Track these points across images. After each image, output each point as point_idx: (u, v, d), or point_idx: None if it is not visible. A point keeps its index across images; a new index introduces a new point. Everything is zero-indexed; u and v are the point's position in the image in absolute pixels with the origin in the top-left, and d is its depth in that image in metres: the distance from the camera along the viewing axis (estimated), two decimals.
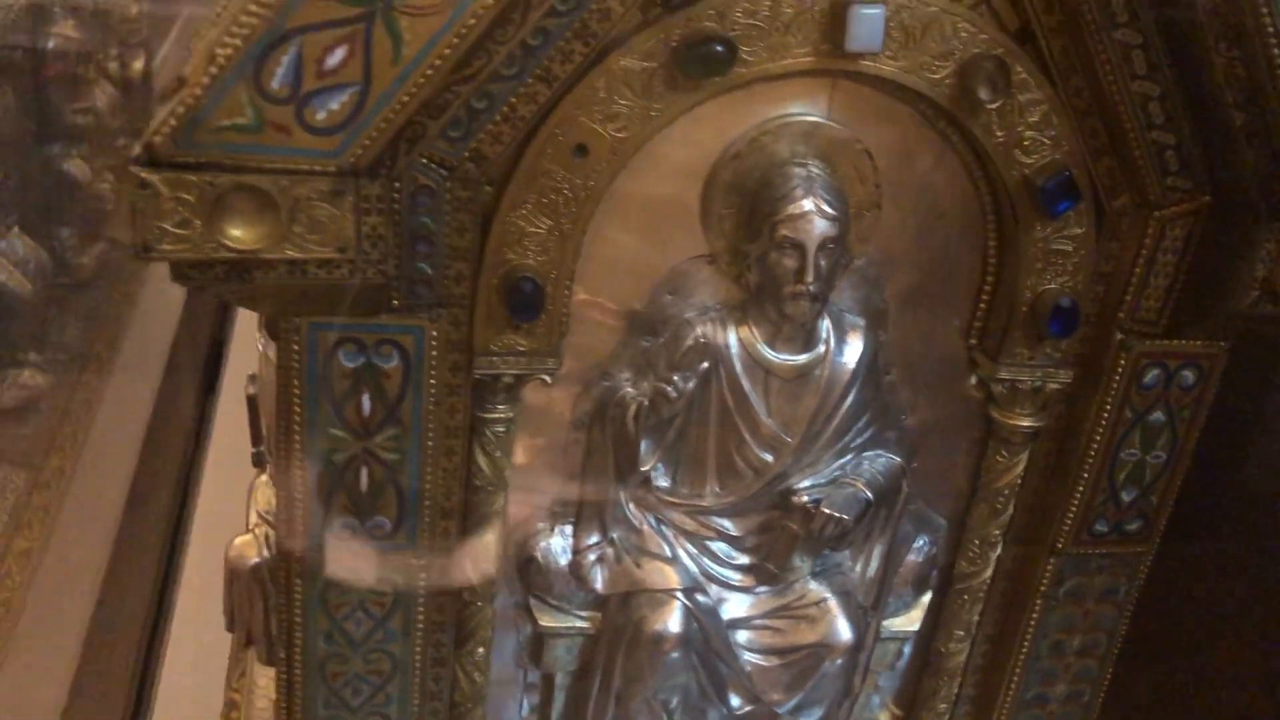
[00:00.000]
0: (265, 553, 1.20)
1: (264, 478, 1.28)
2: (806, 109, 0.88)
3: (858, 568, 1.04)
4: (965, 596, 1.08)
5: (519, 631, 1.04)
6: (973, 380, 1.01)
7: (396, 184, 0.74)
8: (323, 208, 0.69)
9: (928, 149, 0.91)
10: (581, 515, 0.99)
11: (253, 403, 1.22)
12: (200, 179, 0.67)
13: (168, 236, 0.68)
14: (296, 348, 0.81)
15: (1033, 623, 1.08)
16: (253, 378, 1.23)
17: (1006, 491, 1.03)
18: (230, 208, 0.68)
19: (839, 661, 1.01)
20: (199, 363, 2.41)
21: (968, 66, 0.84)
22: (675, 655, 0.98)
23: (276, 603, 1.18)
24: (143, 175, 0.66)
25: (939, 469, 1.05)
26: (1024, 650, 1.09)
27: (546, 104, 0.80)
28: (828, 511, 0.94)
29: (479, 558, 0.94)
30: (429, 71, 0.68)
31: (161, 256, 0.68)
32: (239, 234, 0.68)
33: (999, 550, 1.06)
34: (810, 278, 0.86)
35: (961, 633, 1.10)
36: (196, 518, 1.89)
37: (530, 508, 0.99)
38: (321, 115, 0.67)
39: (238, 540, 1.23)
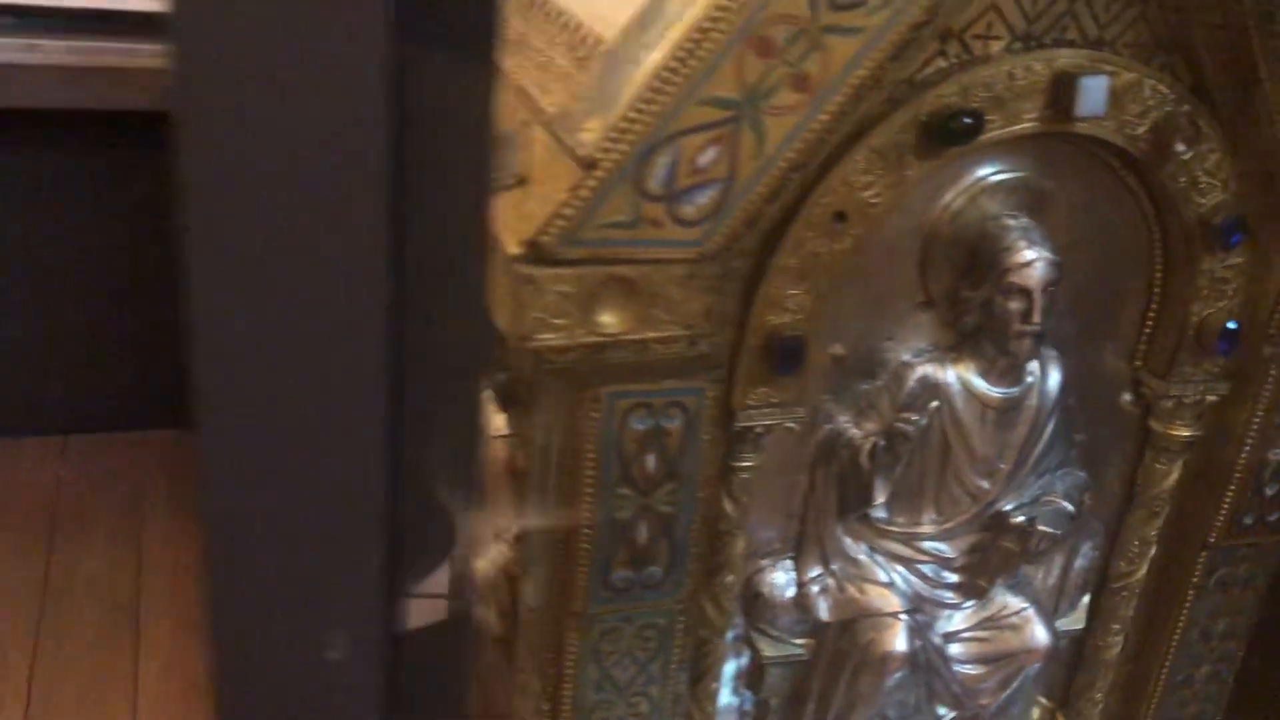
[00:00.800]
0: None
1: None
2: (1013, 165, 0.98)
3: (1039, 576, 1.14)
4: (1124, 593, 1.18)
5: (738, 661, 1.10)
6: (1127, 397, 1.12)
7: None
8: (676, 290, 0.75)
9: (1109, 194, 1.01)
10: (803, 550, 1.06)
11: None
12: (578, 272, 0.73)
13: (545, 326, 0.73)
14: (595, 415, 0.87)
15: (1184, 613, 1.19)
16: None
17: (1164, 496, 1.13)
18: (600, 296, 0.74)
19: (1038, 664, 1.10)
20: None
21: (1164, 122, 0.94)
22: (901, 673, 1.06)
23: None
24: (528, 272, 0.72)
25: (1097, 478, 1.16)
26: (1175, 639, 1.20)
27: (809, 179, 0.87)
28: (1043, 528, 1.03)
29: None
30: (782, 164, 0.74)
31: (538, 344, 0.74)
32: (609, 320, 0.74)
33: (1154, 549, 1.17)
34: (1037, 319, 0.95)
35: (1117, 626, 1.20)
36: None
37: (754, 546, 1.05)
38: (690, 209, 0.73)
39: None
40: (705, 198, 0.73)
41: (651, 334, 0.76)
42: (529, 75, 0.86)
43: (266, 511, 0.53)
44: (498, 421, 1.15)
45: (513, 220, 0.78)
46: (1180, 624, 1.19)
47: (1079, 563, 1.16)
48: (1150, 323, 1.08)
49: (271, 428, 0.51)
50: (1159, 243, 1.04)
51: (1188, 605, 1.19)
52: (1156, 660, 1.22)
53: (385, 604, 0.56)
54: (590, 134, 0.71)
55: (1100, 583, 1.19)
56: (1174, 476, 1.13)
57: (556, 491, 0.93)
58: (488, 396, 1.15)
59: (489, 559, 1.20)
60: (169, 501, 3.03)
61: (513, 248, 0.73)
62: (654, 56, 0.70)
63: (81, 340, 2.64)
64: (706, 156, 0.72)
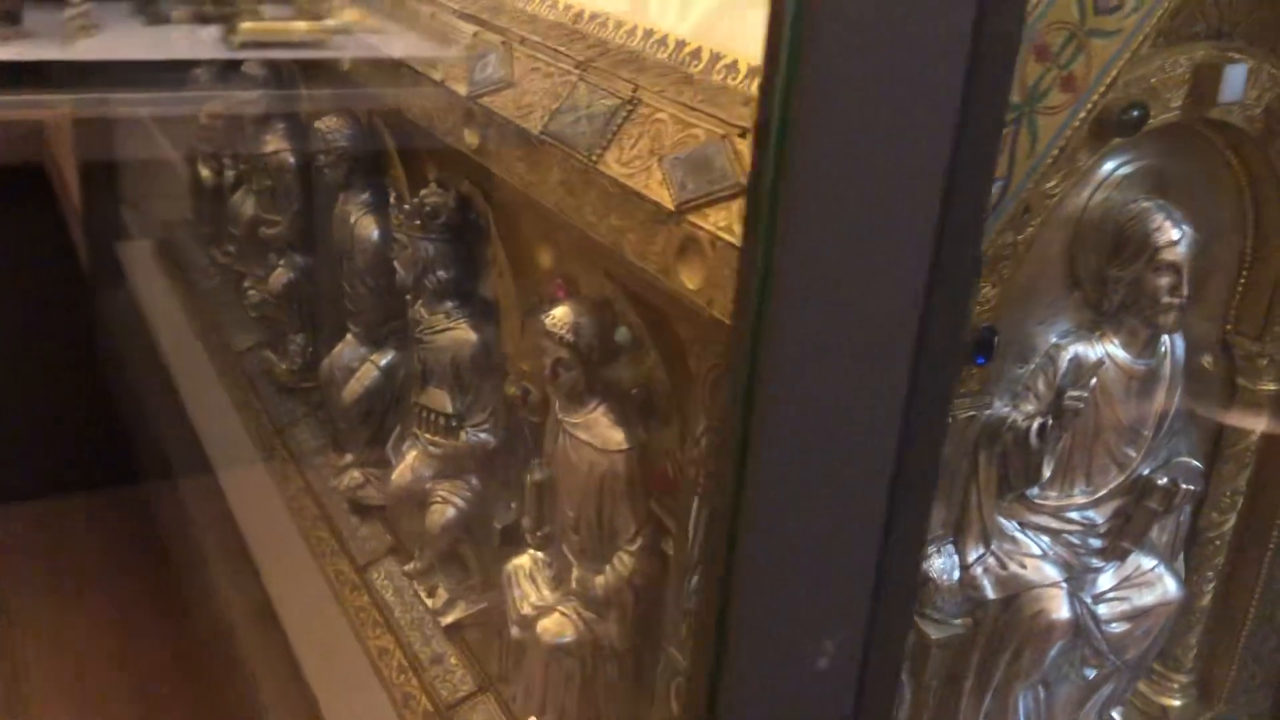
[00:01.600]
0: (581, 629, 1.23)
1: (525, 559, 1.29)
2: (1141, 154, 1.04)
3: (1155, 533, 1.21)
4: (1216, 542, 1.27)
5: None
6: (1208, 358, 1.20)
7: None
8: None
9: (1211, 172, 1.09)
10: (964, 533, 1.10)
11: (539, 488, 1.24)
12: None
13: None
14: None
15: (1269, 555, 1.29)
16: (539, 464, 1.25)
17: (1252, 448, 1.23)
18: None
19: (1173, 615, 1.18)
20: None
21: (1277, 103, 1.03)
22: (1064, 642, 1.11)
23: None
24: None
25: None
26: (1261, 580, 1.30)
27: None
28: (1185, 487, 1.10)
29: None
30: (1048, 161, 0.78)
31: None
32: None
33: (1242, 499, 1.26)
34: (1186, 292, 1.03)
35: (1210, 574, 1.29)
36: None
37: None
38: None
39: (548, 623, 1.24)
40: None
41: None
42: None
43: (795, 522, 0.54)
44: (615, 437, 1.16)
45: None
46: (1266, 565, 1.29)
47: (1182, 517, 1.24)
48: (1241, 288, 1.17)
49: (815, 434, 0.52)
50: (1252, 214, 1.13)
51: (1272, 547, 1.28)
52: (1244, 602, 1.31)
53: (871, 615, 0.57)
54: None
55: (1192, 534, 1.28)
56: (1261, 429, 1.22)
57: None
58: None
59: (613, 570, 1.19)
60: (41, 577, 2.86)
61: None
62: None
63: None
64: None
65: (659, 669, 1.11)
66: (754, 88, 0.92)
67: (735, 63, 0.97)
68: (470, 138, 1.16)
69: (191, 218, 2.98)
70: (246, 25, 2.07)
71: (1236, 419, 1.22)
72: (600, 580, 1.21)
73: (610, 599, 1.20)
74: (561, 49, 1.10)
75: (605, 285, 1.12)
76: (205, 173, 2.73)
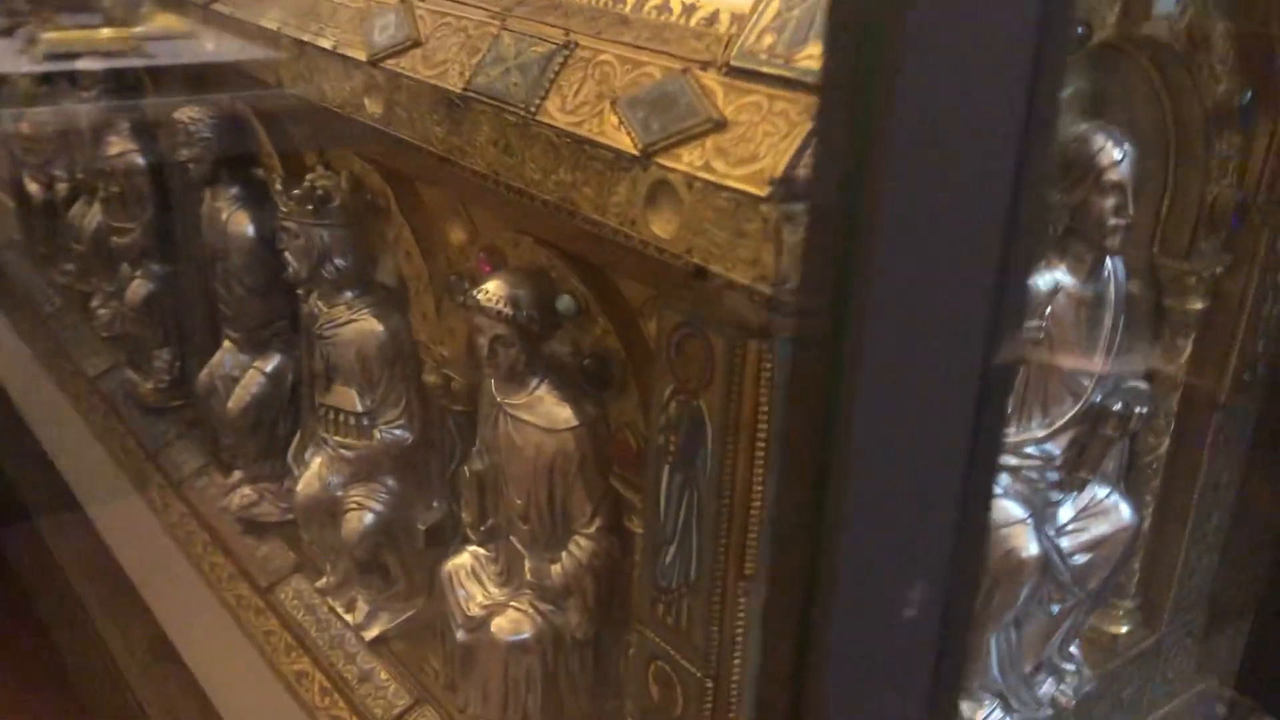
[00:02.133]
0: (540, 623, 1.16)
1: (465, 557, 1.21)
2: (1075, 74, 1.03)
3: (1105, 462, 1.21)
4: (1154, 466, 1.28)
5: None
6: (1135, 284, 1.21)
7: None
8: None
9: (1138, 92, 1.09)
10: None
11: (480, 479, 1.16)
12: None
13: None
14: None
15: (1201, 473, 1.31)
16: (479, 454, 1.16)
17: (1182, 368, 1.24)
18: None
19: (1129, 541, 1.18)
20: None
21: (1199, 18, 1.03)
22: (1034, 580, 1.10)
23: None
24: (787, 210, 0.68)
25: None
26: (1195, 497, 1.32)
27: None
28: (1139, 410, 1.10)
29: None
30: None
31: None
32: None
33: (1174, 421, 1.28)
34: (1131, 211, 1.02)
35: (1149, 499, 1.30)
36: None
37: None
38: None
39: (502, 621, 1.16)
40: None
41: None
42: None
43: (888, 469, 0.49)
44: (562, 414, 1.09)
45: (733, 163, 0.75)
46: (1199, 483, 1.31)
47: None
48: (1166, 209, 1.18)
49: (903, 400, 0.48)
50: (1174, 132, 1.13)
51: (1204, 466, 1.31)
52: (1181, 521, 1.33)
53: (953, 557, 0.53)
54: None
55: (1131, 459, 1.29)
56: (1189, 348, 1.24)
57: (718, 463, 0.89)
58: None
59: (570, 555, 1.12)
60: None
61: (754, 188, 0.70)
62: None
63: None
64: None
65: (632, 653, 1.05)
66: (694, 21, 0.87)
67: (667, 1, 0.91)
68: (373, 107, 1.07)
69: (20, 238, 2.76)
70: (49, 35, 1.93)
71: (1167, 341, 1.24)
72: (556, 569, 1.14)
73: (569, 587, 1.13)
74: (470, 1, 1.03)
75: (538, 253, 1.05)
76: (33, 188, 2.53)
